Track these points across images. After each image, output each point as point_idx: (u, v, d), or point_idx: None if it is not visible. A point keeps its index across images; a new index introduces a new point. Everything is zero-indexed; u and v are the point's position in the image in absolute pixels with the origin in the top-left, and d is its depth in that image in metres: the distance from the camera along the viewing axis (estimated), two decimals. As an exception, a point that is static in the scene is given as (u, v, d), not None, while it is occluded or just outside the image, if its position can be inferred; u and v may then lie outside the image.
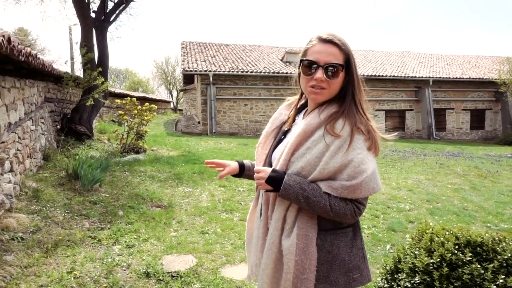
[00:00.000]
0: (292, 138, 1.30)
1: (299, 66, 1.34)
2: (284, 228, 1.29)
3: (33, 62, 4.52)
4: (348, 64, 1.29)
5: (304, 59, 1.31)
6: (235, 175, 1.57)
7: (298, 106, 1.46)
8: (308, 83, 1.30)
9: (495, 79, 17.97)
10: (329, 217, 1.23)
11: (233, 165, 1.56)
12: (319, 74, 1.26)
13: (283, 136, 1.41)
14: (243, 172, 1.57)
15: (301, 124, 1.33)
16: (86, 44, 8.85)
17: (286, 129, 1.42)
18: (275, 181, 1.25)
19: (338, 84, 1.29)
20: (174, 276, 2.98)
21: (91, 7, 9.36)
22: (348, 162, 1.19)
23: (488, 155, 11.36)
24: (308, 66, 1.29)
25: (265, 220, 1.35)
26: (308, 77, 1.30)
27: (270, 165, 1.37)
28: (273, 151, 1.41)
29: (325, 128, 1.25)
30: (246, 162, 1.60)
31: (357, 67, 1.32)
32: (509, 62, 18.20)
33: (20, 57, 3.84)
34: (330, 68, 1.26)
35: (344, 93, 1.31)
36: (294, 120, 1.43)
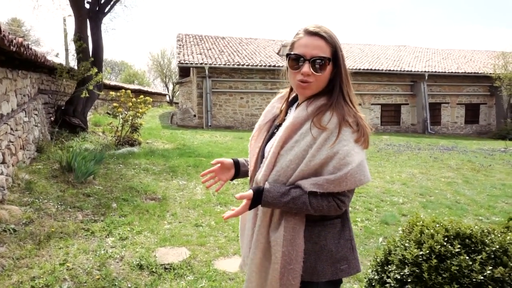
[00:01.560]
0: (280, 131, 1.31)
1: (286, 60, 1.33)
2: (272, 221, 1.31)
3: (25, 52, 4.46)
4: (335, 57, 1.28)
5: (291, 53, 1.30)
6: (232, 178, 1.56)
7: (289, 99, 1.46)
8: (295, 77, 1.30)
9: (490, 73, 18.05)
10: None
11: (229, 166, 1.54)
12: (306, 68, 1.26)
13: (275, 130, 1.40)
14: (239, 171, 1.55)
15: (290, 117, 1.33)
16: (80, 35, 8.75)
17: (278, 123, 1.42)
18: (257, 203, 1.26)
19: (325, 77, 1.29)
20: (167, 268, 2.99)
21: (85, -3, 9.24)
22: (334, 154, 1.19)
23: (482, 149, 11.45)
24: (295, 60, 1.28)
25: (255, 212, 1.36)
26: (295, 71, 1.29)
27: (263, 158, 1.37)
28: (266, 144, 1.40)
29: (312, 121, 1.25)
30: (241, 160, 1.57)
31: (344, 59, 1.31)
32: (504, 56, 18.29)
33: (11, 47, 3.80)
34: (316, 61, 1.25)
35: (332, 86, 1.30)
36: (286, 113, 1.43)
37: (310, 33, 1.28)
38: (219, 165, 1.52)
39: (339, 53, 1.28)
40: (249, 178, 1.47)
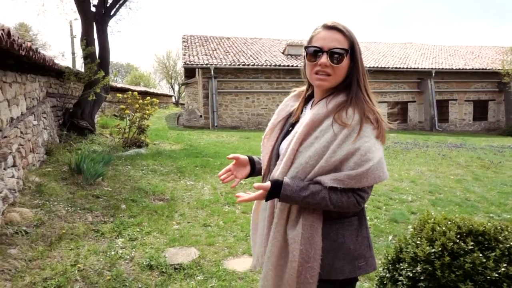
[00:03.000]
0: (300, 128, 1.30)
1: (304, 55, 1.34)
2: (289, 218, 1.30)
3: (33, 56, 4.51)
4: (352, 51, 1.28)
5: (309, 45, 1.31)
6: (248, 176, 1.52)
7: (305, 97, 1.46)
8: (313, 69, 1.30)
9: (499, 69, 17.82)
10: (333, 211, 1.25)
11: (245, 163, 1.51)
12: (324, 59, 1.26)
13: (291, 128, 1.40)
14: (255, 168, 1.52)
15: (308, 114, 1.33)
16: (86, 38, 8.83)
17: (293, 121, 1.41)
18: (274, 195, 1.26)
19: (343, 70, 1.29)
20: (177, 269, 3.00)
21: (91, 1, 9.32)
22: (355, 150, 1.19)
23: (491, 146, 11.31)
24: (313, 53, 1.29)
25: (271, 210, 1.35)
26: (312, 64, 1.30)
27: (277, 157, 1.36)
28: (280, 142, 1.40)
29: (333, 117, 1.25)
30: (255, 158, 1.55)
31: (361, 55, 1.32)
32: (512, 52, 18.04)
33: (21, 51, 3.84)
34: (334, 53, 1.26)
35: (350, 82, 1.30)
36: (301, 111, 1.42)
37: (328, 27, 1.30)
38: (234, 161, 1.50)
39: (356, 47, 1.29)
40: (262, 176, 1.46)
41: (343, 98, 1.28)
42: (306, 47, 1.32)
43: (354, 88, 1.29)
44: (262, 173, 1.45)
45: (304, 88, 1.47)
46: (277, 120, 1.47)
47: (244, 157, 1.51)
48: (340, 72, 1.28)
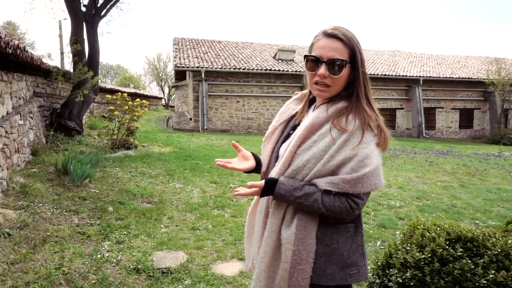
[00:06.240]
0: (299, 131, 1.30)
1: (305, 62, 1.32)
2: (285, 218, 1.29)
3: (21, 55, 4.43)
4: (353, 59, 1.26)
5: (308, 54, 1.30)
6: (250, 171, 1.45)
7: (309, 100, 1.45)
8: (312, 79, 1.29)
9: (484, 79, 18.25)
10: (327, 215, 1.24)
11: (250, 162, 1.44)
12: (322, 70, 1.25)
13: (291, 131, 1.39)
14: (260, 164, 1.46)
15: (309, 117, 1.32)
16: (76, 38, 8.71)
17: (296, 123, 1.41)
18: (268, 193, 1.28)
19: (343, 80, 1.28)
20: (164, 272, 2.95)
21: (81, 1, 9.21)
22: (352, 156, 1.18)
23: (477, 154, 11.53)
24: (312, 61, 1.28)
25: (266, 211, 1.35)
26: (312, 73, 1.29)
27: (277, 159, 1.36)
28: (280, 145, 1.39)
29: (332, 122, 1.24)
30: (259, 156, 1.51)
31: (364, 62, 1.30)
32: (497, 62, 18.54)
33: (8, 49, 3.76)
34: (333, 64, 1.24)
35: (352, 89, 1.29)
36: (305, 114, 1.42)
37: (328, 35, 1.27)
38: (237, 154, 1.46)
39: (357, 56, 1.27)
40: (260, 178, 1.45)
41: (344, 104, 1.28)
42: (306, 56, 1.31)
43: (355, 96, 1.28)
44: (261, 176, 1.43)
45: (306, 91, 1.46)
46: (278, 123, 1.46)
47: (247, 152, 1.47)
48: (339, 82, 1.27)
